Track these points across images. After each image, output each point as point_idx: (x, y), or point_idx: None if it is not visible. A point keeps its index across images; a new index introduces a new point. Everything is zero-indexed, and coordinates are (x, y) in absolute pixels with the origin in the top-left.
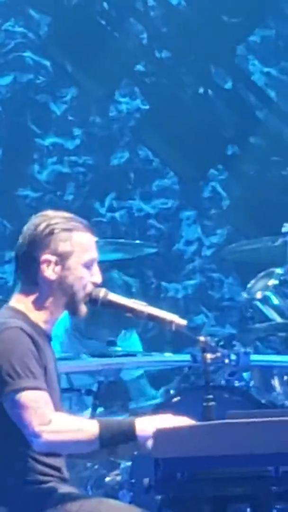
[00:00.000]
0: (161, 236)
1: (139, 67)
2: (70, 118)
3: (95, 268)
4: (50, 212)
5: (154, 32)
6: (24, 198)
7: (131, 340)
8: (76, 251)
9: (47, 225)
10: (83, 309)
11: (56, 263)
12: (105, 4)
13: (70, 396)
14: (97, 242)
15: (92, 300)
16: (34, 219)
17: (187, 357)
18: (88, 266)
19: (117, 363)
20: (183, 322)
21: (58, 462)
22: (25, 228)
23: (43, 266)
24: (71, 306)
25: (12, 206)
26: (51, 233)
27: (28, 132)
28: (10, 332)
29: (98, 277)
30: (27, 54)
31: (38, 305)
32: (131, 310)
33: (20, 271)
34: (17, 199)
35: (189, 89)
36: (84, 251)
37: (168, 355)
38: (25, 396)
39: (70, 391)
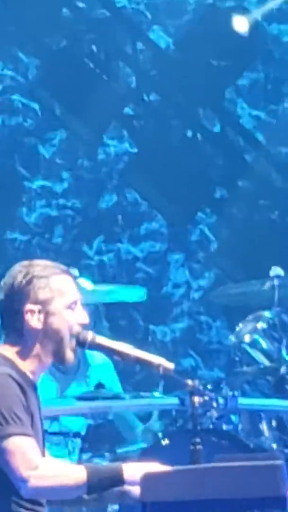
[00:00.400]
0: (149, 279)
1: (128, 110)
2: (58, 161)
3: (79, 308)
4: (25, 262)
5: (142, 75)
6: (13, 241)
7: None
8: (56, 295)
9: (24, 276)
10: (71, 356)
11: (40, 311)
12: (93, 47)
13: (59, 439)
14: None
15: (80, 343)
16: (11, 272)
17: (175, 400)
18: (71, 307)
19: (105, 406)
20: (170, 365)
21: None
22: (2, 282)
23: (27, 317)
24: (59, 354)
25: (1, 249)
26: (29, 282)
27: (16, 175)
28: None
29: (83, 317)
30: (16, 97)
31: (25, 354)
32: (119, 353)
33: (4, 323)
34: (6, 242)
35: (178, 132)
36: (64, 294)
37: (157, 395)
38: (12, 442)
39: (58, 434)
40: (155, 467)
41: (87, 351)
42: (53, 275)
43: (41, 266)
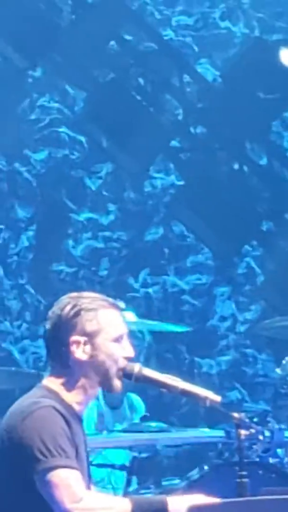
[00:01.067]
0: (195, 312)
1: (174, 143)
2: (105, 193)
3: (125, 342)
4: (73, 294)
5: (189, 108)
6: (59, 273)
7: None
8: (104, 328)
9: (72, 307)
10: (118, 384)
11: (85, 343)
12: (140, 80)
13: (104, 471)
14: (131, 318)
15: (126, 375)
16: (59, 303)
17: (221, 433)
18: (117, 341)
19: (151, 439)
20: (217, 398)
21: None
22: (50, 312)
23: (73, 348)
24: (106, 383)
25: (47, 281)
26: (77, 314)
27: (63, 207)
28: (42, 410)
29: (129, 351)
30: (62, 129)
31: (71, 386)
32: (165, 385)
33: (50, 354)
34: (52, 274)
35: (224, 165)
36: (111, 327)
37: (204, 430)
38: (56, 475)
39: (103, 466)
40: (200, 499)
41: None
42: (101, 308)
43: (89, 298)
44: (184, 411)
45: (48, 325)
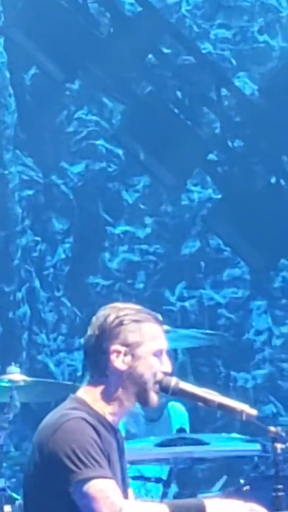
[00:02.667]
0: (231, 326)
1: (212, 156)
2: (141, 206)
3: (164, 357)
4: (119, 304)
5: (227, 121)
6: (95, 286)
7: None
8: (145, 340)
9: (117, 317)
10: (155, 398)
11: (126, 354)
12: (178, 93)
13: (140, 485)
14: (167, 331)
15: (163, 388)
16: (103, 311)
17: (257, 446)
18: (157, 355)
19: (187, 452)
20: (253, 412)
21: None
22: (94, 319)
23: (113, 357)
24: (142, 396)
25: (83, 293)
26: (121, 324)
27: (99, 220)
28: (72, 422)
29: (167, 366)
30: (100, 142)
31: (107, 396)
32: (202, 399)
33: (89, 362)
34: (88, 286)
35: (261, 178)
36: (153, 341)
37: (236, 436)
38: (93, 486)
39: (140, 479)
40: (238, 504)
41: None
42: (145, 321)
43: (134, 310)
44: (219, 425)
45: (90, 332)
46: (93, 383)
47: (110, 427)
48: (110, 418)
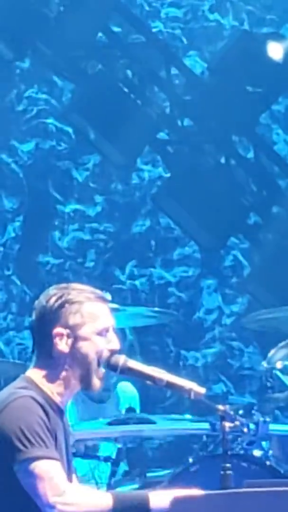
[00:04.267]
0: (181, 304)
1: (162, 135)
2: (91, 185)
3: (111, 334)
4: (61, 285)
5: (177, 101)
6: (45, 265)
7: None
8: (87, 321)
9: (57, 299)
10: (97, 383)
11: (68, 336)
12: (128, 72)
13: (89, 463)
14: (117, 309)
15: (111, 366)
16: (45, 294)
17: (206, 425)
18: (102, 334)
19: (136, 430)
20: (202, 390)
21: None
22: (36, 303)
23: (56, 340)
24: (85, 379)
25: (33, 272)
26: (62, 306)
27: (49, 199)
28: (21, 400)
29: (115, 344)
30: (50, 120)
31: (53, 378)
32: (150, 377)
33: (35, 345)
34: (38, 265)
35: (211, 158)
36: (96, 320)
37: (188, 417)
38: (38, 466)
39: (88, 457)
40: (181, 493)
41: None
42: (86, 301)
43: (76, 290)
44: (169, 404)
45: (33, 316)
46: (40, 365)
47: (57, 408)
48: (57, 399)
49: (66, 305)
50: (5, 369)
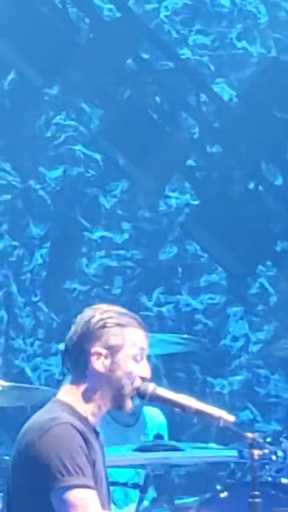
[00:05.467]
0: (208, 331)
1: (190, 162)
2: (119, 212)
3: (144, 362)
4: (104, 306)
5: (205, 127)
6: (72, 291)
7: None
8: (126, 345)
9: (101, 319)
10: (129, 404)
11: (106, 356)
12: (157, 98)
13: (116, 490)
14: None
15: (140, 394)
16: (88, 311)
17: (234, 452)
18: (136, 360)
19: (164, 458)
20: (231, 418)
21: None
22: (78, 319)
23: (93, 358)
24: (118, 400)
25: (60, 299)
26: (104, 326)
27: (77, 225)
28: (60, 427)
29: (146, 372)
30: (78, 147)
31: (87, 397)
32: (179, 405)
33: (69, 362)
34: (65, 292)
35: (240, 184)
36: (134, 346)
37: (213, 446)
38: (74, 494)
39: (116, 484)
40: None
41: (145, 410)
42: (128, 325)
43: (119, 313)
44: (195, 430)
45: (73, 330)
46: (73, 383)
47: (93, 430)
48: (92, 420)
49: (109, 325)
50: (33, 395)
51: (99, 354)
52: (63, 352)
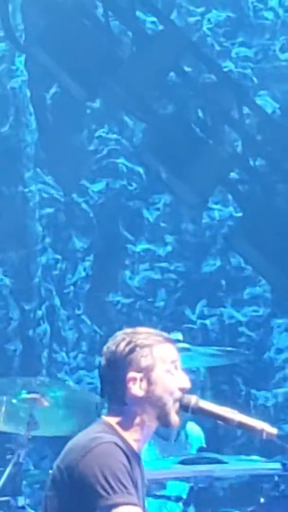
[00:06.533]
0: (251, 344)
1: (233, 175)
2: (162, 224)
3: (180, 373)
4: (127, 330)
5: (248, 140)
6: (115, 304)
7: None
8: (158, 362)
9: (127, 344)
10: (176, 418)
11: (142, 379)
12: (200, 112)
13: (160, 503)
14: (188, 349)
15: (182, 407)
16: (113, 339)
17: (277, 465)
18: (171, 373)
19: (207, 470)
20: (273, 430)
21: None
22: (105, 349)
23: (130, 385)
24: (164, 418)
25: (103, 311)
26: (132, 351)
27: (120, 238)
28: (103, 446)
29: (185, 382)
30: (120, 160)
31: (129, 424)
32: (222, 417)
33: (106, 392)
34: (108, 304)
35: (282, 197)
36: (166, 361)
37: (256, 458)
38: None
39: (160, 497)
40: None
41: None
42: (156, 344)
43: (144, 334)
44: (239, 443)
45: (103, 362)
46: (114, 412)
47: (136, 455)
48: (135, 445)
49: (137, 349)
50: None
51: (135, 379)
52: (100, 384)
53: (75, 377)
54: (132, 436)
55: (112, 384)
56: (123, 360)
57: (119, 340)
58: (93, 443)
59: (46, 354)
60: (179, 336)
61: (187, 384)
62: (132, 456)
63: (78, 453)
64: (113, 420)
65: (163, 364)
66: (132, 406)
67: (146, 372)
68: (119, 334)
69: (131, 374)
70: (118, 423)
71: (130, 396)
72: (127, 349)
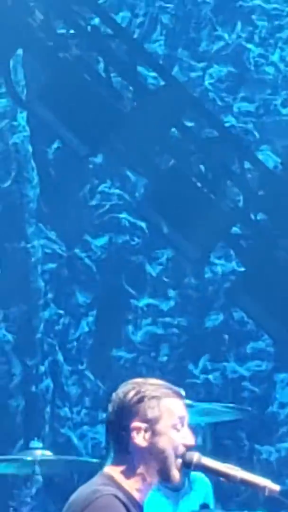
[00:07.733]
0: (255, 399)
1: (235, 230)
2: (165, 279)
3: (186, 430)
4: (138, 380)
5: (250, 195)
6: (118, 359)
7: None
8: (164, 415)
9: (136, 393)
10: (176, 475)
11: (146, 430)
12: (201, 167)
13: None
14: (190, 405)
15: (185, 464)
16: (123, 387)
17: None
18: (177, 429)
19: None
20: (276, 487)
21: None
22: (113, 396)
23: (134, 434)
24: (164, 473)
25: (106, 366)
26: (140, 400)
27: (123, 293)
28: (103, 499)
29: (190, 439)
30: (123, 215)
31: (131, 474)
32: (224, 474)
33: (111, 439)
34: (111, 359)
35: (285, 251)
36: (172, 415)
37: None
38: None
39: None
40: None
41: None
42: (164, 396)
43: (154, 386)
44: (243, 497)
45: (110, 409)
46: (117, 461)
47: (137, 505)
48: (137, 495)
49: (145, 399)
50: (79, 465)
51: (139, 429)
52: (105, 431)
53: (78, 432)
54: (134, 486)
55: (117, 432)
56: (130, 409)
57: (129, 389)
58: (94, 496)
59: (49, 409)
60: (182, 392)
61: (191, 442)
62: (134, 507)
63: (79, 506)
64: (115, 470)
65: (169, 418)
66: (135, 455)
67: (152, 424)
68: (130, 383)
69: (136, 424)
70: (121, 472)
71: (133, 445)
72: (135, 398)
